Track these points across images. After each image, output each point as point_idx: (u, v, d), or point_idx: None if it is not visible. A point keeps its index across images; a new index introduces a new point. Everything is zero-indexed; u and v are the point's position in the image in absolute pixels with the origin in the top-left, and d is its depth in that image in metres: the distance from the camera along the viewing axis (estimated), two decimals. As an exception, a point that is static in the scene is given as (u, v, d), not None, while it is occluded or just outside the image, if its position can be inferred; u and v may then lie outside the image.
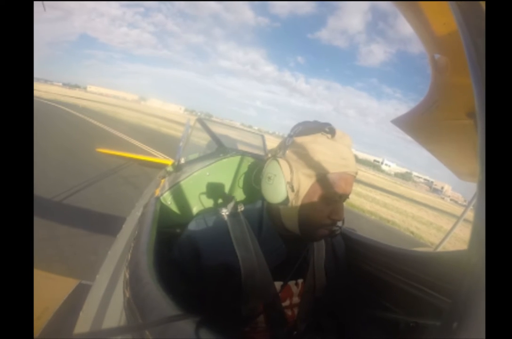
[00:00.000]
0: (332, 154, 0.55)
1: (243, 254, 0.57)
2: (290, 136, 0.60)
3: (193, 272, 0.57)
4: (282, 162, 0.57)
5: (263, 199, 0.65)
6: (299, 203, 0.57)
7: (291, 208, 0.58)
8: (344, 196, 0.57)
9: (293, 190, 0.56)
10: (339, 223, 0.63)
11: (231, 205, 0.64)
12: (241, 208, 0.64)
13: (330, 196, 0.56)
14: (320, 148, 0.55)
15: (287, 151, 0.59)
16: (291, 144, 0.59)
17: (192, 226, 0.62)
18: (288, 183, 0.56)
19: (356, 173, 0.59)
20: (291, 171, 0.56)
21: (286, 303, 0.63)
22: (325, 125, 0.58)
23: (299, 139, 0.58)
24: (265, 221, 0.63)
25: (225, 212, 0.62)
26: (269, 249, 0.60)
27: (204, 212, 0.72)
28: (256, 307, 0.57)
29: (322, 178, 0.55)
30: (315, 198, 0.56)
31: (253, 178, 0.72)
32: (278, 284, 0.60)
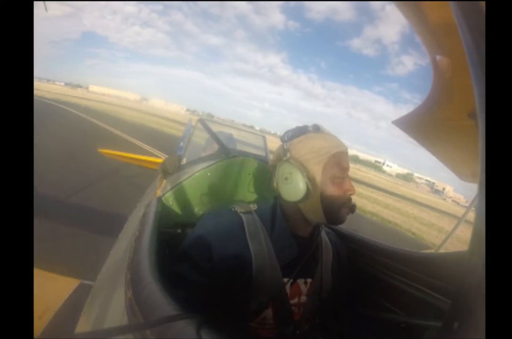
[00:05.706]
0: (325, 141, 0.65)
1: (256, 248, 0.59)
2: (285, 141, 0.68)
3: (204, 264, 0.57)
4: (291, 161, 0.64)
5: (275, 197, 0.68)
6: (319, 188, 0.62)
7: (313, 197, 0.62)
8: (348, 171, 0.67)
9: (310, 180, 0.62)
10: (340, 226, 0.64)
11: (244, 203, 0.68)
12: (254, 207, 0.67)
13: (340, 173, 0.63)
14: (314, 140, 0.65)
15: (289, 153, 0.65)
16: (289, 147, 0.66)
17: (206, 218, 0.65)
18: (305, 175, 0.62)
19: (347, 149, 0.69)
20: (302, 165, 0.63)
21: (294, 300, 0.64)
22: (307, 126, 0.69)
23: (294, 141, 0.66)
24: (278, 219, 0.65)
25: (239, 209, 0.65)
26: (281, 246, 0.62)
27: (218, 207, 0.72)
28: (265, 302, 0.58)
29: (328, 161, 0.63)
30: (330, 179, 0.63)
31: (266, 186, 0.75)
32: (288, 282, 0.62)
